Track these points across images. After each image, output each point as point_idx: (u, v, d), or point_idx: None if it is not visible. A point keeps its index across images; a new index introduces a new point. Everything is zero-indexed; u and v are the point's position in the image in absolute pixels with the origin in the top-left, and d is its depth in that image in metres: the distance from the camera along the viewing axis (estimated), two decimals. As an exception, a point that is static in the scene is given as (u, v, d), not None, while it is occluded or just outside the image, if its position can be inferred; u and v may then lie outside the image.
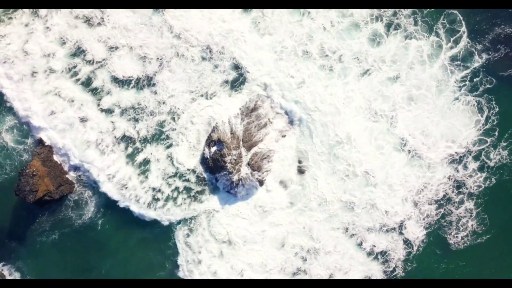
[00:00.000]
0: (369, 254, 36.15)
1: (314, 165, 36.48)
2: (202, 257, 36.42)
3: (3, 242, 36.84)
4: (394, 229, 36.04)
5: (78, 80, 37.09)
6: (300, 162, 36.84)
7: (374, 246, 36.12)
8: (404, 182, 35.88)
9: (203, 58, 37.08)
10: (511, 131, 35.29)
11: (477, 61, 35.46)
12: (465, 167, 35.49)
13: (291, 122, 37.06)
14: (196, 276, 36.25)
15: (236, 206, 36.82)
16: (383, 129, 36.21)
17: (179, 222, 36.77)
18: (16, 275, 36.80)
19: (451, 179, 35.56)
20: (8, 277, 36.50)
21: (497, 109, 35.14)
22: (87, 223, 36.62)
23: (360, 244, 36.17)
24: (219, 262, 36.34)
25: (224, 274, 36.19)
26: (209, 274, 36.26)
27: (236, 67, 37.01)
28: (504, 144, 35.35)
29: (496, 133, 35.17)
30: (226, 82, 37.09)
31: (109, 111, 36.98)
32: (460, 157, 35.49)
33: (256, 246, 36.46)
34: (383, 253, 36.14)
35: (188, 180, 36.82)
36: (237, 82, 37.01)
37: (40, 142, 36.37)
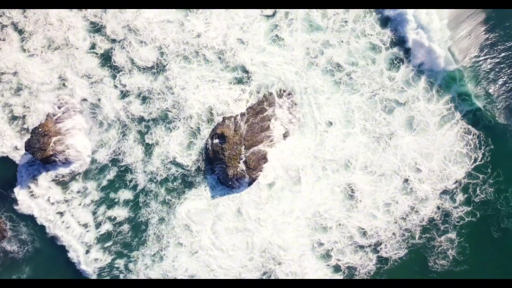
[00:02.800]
0: (336, 268, 36.42)
1: (306, 175, 37.64)
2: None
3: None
4: (369, 246, 36.41)
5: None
6: (296, 169, 38.07)
7: (340, 260, 36.46)
8: (393, 204, 36.52)
9: (218, 58, 39.79)
10: (500, 170, 35.83)
11: (482, 99, 36.61)
12: (453, 199, 36.03)
13: (290, 130, 38.74)
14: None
15: (224, 198, 38.29)
16: (378, 150, 37.32)
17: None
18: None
19: (440, 208, 36.11)
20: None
21: (492, 147, 35.95)
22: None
23: (326, 256, 36.66)
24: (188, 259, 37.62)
25: (192, 267, 37.44)
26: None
27: (247, 71, 39.40)
28: (492, 181, 35.82)
29: (489, 170, 35.79)
30: (236, 82, 39.44)
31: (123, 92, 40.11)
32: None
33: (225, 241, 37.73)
34: (351, 268, 36.42)
35: (183, 166, 38.73)
36: (246, 84, 39.27)
37: (58, 104, 39.33)
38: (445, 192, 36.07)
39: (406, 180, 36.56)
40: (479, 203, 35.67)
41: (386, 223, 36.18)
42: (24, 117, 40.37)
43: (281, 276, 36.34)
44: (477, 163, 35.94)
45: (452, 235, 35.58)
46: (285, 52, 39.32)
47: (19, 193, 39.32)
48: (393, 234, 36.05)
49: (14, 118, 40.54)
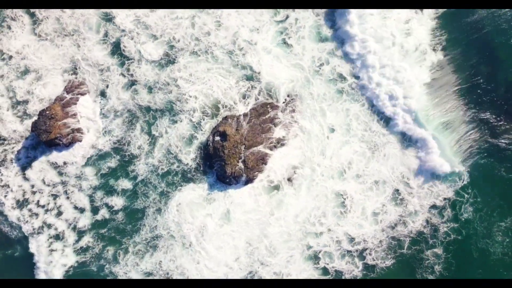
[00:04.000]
0: (324, 270, 37.11)
1: (303, 180, 38.61)
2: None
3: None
4: (356, 251, 37.16)
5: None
6: (293, 173, 39.06)
7: (328, 264, 37.18)
8: (381, 214, 37.39)
9: (228, 57, 41.11)
10: (476, 191, 36.68)
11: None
12: (441, 214, 36.84)
13: (291, 133, 39.84)
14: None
15: (220, 194, 39.16)
16: (372, 160, 38.32)
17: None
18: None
19: (429, 222, 36.93)
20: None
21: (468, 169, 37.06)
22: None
23: (314, 258, 37.34)
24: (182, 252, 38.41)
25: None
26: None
27: (254, 71, 40.61)
28: (471, 201, 36.62)
29: (469, 190, 36.69)
30: (245, 79, 40.62)
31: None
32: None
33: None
34: (338, 271, 37.10)
35: (183, 160, 39.75)
36: (254, 83, 40.44)
37: (66, 89, 40.17)
38: (434, 207, 36.88)
39: (397, 190, 37.53)
40: (464, 221, 36.50)
41: (373, 231, 36.96)
42: (27, 102, 41.05)
43: (267, 276, 37.04)
44: (464, 182, 36.78)
45: (439, 250, 36.25)
46: (292, 57, 40.58)
47: (15, 174, 40.29)
48: (380, 241, 36.85)
49: (17, 102, 41.25)
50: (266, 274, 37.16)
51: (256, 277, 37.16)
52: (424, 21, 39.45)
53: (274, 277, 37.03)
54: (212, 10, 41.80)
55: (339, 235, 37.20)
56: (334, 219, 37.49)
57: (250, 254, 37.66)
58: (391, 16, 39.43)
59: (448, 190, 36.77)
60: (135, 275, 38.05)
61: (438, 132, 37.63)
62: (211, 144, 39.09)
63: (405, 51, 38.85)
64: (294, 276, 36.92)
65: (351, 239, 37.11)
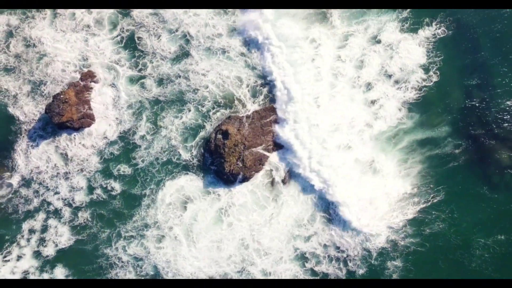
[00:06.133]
0: (312, 271, 38.40)
1: (296, 183, 40.07)
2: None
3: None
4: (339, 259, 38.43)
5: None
6: (285, 175, 40.53)
7: (315, 266, 38.41)
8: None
9: (241, 54, 42.76)
10: (453, 206, 38.00)
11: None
12: (401, 231, 37.98)
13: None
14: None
15: (216, 190, 40.84)
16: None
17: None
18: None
19: (389, 238, 38.11)
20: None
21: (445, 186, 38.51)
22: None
23: (302, 258, 38.64)
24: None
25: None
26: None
27: (264, 75, 42.19)
28: (443, 216, 37.87)
29: (442, 207, 37.95)
30: (255, 77, 42.29)
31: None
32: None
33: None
34: (325, 274, 38.27)
35: (185, 153, 41.40)
36: (260, 88, 42.04)
37: (82, 77, 42.16)
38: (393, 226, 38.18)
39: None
40: (429, 235, 37.68)
41: (353, 241, 38.28)
42: (45, 83, 43.03)
43: (256, 275, 38.39)
44: (435, 200, 38.11)
45: (398, 262, 37.59)
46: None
47: (21, 151, 42.31)
48: (358, 252, 38.13)
49: (35, 87, 43.17)
50: (255, 272, 38.59)
51: (244, 274, 38.55)
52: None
53: (262, 275, 38.36)
54: (228, 10, 43.31)
55: (325, 241, 38.51)
56: (321, 225, 38.86)
57: (241, 252, 39.03)
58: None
59: (411, 210, 38.16)
60: (125, 257, 39.68)
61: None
62: (213, 141, 40.78)
63: None
64: (283, 275, 38.31)
65: (337, 246, 38.47)
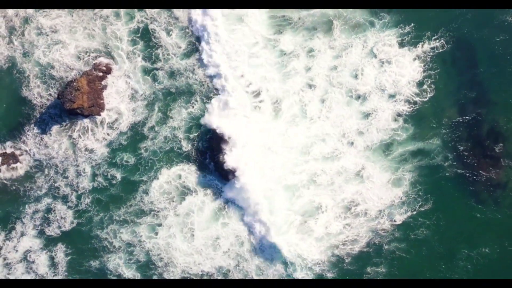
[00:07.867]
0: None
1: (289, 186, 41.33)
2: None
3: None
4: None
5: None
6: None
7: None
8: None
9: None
10: (440, 214, 39.24)
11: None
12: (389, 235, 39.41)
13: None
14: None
15: (213, 185, 42.25)
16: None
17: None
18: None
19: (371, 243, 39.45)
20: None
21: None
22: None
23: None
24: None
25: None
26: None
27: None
28: (428, 223, 39.11)
29: (429, 214, 39.25)
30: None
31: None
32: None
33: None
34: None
35: (188, 144, 42.73)
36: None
37: (95, 66, 43.84)
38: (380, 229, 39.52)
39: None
40: (415, 241, 38.88)
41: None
42: (57, 69, 44.37)
43: (239, 276, 39.79)
44: (423, 208, 39.36)
45: (382, 269, 38.82)
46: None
47: (33, 135, 43.90)
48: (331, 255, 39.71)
49: (51, 76, 44.54)
50: (238, 274, 39.99)
51: (230, 277, 39.93)
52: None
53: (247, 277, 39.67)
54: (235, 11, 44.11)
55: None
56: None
57: (235, 249, 40.60)
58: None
59: (399, 217, 39.54)
60: (117, 243, 41.32)
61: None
62: (216, 136, 41.96)
63: None
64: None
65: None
